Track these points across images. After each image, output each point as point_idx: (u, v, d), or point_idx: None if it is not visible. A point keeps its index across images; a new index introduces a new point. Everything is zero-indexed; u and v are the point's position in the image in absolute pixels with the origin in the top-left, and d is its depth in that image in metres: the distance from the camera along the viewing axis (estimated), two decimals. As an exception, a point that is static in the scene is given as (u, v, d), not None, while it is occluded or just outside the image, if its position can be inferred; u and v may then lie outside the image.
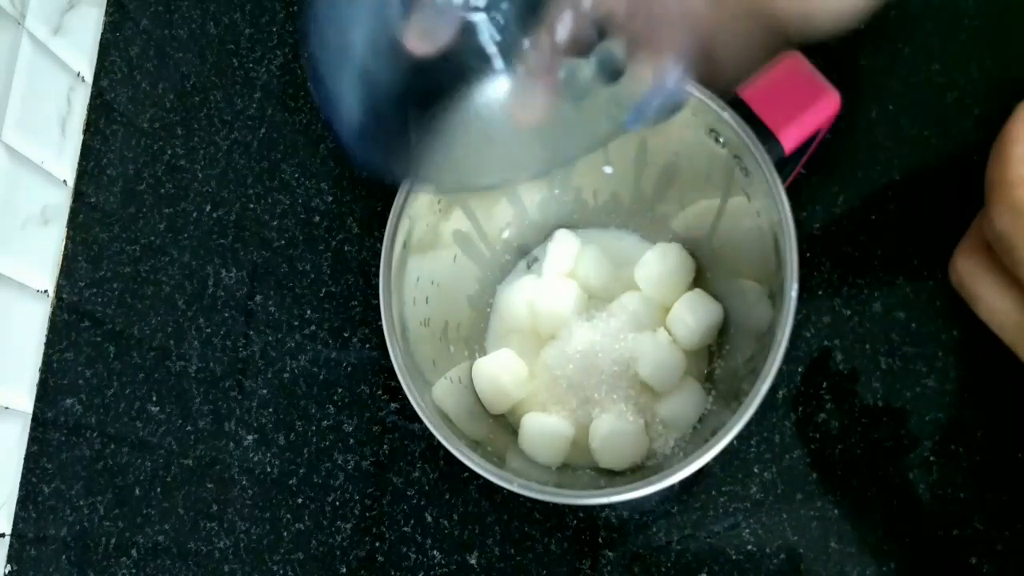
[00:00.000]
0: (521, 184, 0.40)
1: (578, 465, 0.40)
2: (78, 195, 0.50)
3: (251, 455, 0.45)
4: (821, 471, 0.40)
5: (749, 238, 0.36)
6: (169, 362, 0.47)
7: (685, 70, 0.25)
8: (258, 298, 0.47)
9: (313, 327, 0.46)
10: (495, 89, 0.28)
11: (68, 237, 0.49)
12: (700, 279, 0.42)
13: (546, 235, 0.44)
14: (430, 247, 0.39)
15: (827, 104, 0.33)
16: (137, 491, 0.45)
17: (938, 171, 0.43)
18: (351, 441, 0.44)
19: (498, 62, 0.28)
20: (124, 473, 0.46)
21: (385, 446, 0.44)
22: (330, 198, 0.48)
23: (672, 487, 0.37)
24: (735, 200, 0.36)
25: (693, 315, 0.39)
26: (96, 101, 0.51)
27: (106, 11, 0.52)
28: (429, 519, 0.43)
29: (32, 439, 0.47)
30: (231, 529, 0.44)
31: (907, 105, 0.44)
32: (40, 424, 0.47)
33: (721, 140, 0.34)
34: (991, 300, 0.28)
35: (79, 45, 0.51)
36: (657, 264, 0.40)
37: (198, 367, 0.46)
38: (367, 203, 0.47)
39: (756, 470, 0.41)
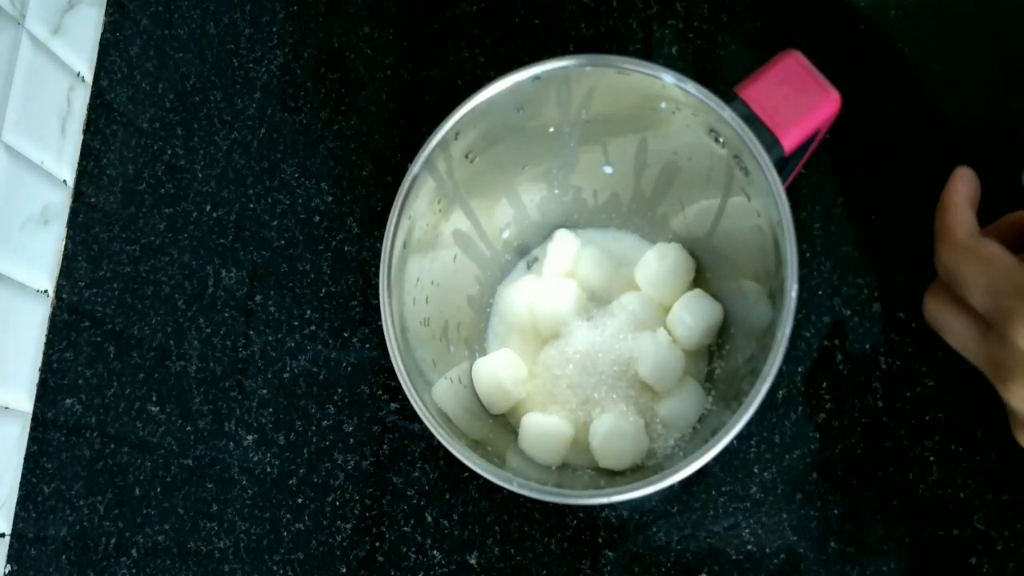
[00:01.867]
0: None
1: (578, 465, 0.40)
2: (78, 195, 0.50)
3: (251, 455, 0.45)
4: (821, 471, 0.41)
5: (749, 238, 0.36)
6: (169, 362, 0.47)
7: None
8: (258, 298, 0.47)
9: (313, 327, 0.46)
10: None
11: (68, 237, 0.49)
12: (700, 279, 0.42)
13: (546, 235, 0.44)
14: (430, 247, 0.39)
15: (827, 104, 0.33)
16: (137, 491, 0.45)
17: (938, 171, 0.43)
18: (351, 441, 0.44)
19: None
20: (124, 473, 0.46)
21: (385, 446, 0.44)
22: (330, 198, 0.48)
23: (672, 487, 0.37)
24: (735, 200, 0.36)
25: (693, 315, 0.39)
26: (96, 101, 0.51)
27: (106, 11, 0.52)
28: (429, 519, 0.43)
29: (32, 439, 0.47)
30: (231, 529, 0.44)
31: (907, 105, 0.44)
32: (40, 424, 0.47)
33: (721, 140, 0.34)
34: (954, 328, 0.33)
35: (79, 45, 0.51)
36: (657, 264, 0.40)
37: (198, 367, 0.46)
38: (367, 203, 0.47)
39: (756, 470, 0.41)
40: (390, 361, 0.34)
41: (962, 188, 0.33)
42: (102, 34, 0.52)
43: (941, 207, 0.34)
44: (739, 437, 0.31)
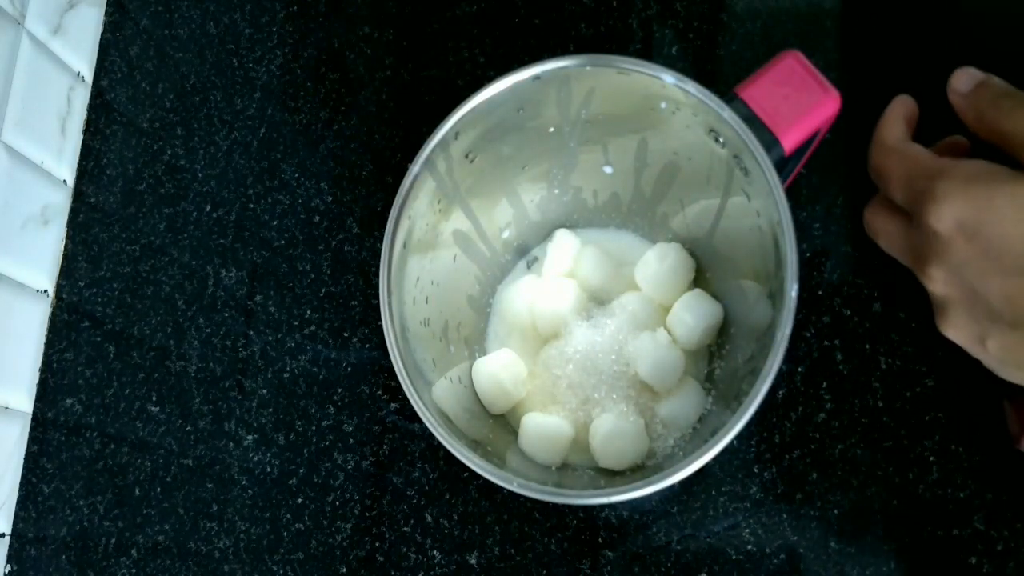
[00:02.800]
0: None
1: (578, 465, 0.40)
2: (78, 195, 0.50)
3: (251, 455, 0.45)
4: (821, 471, 0.41)
5: (749, 238, 0.36)
6: (169, 362, 0.47)
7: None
8: (258, 298, 0.47)
9: (313, 327, 0.46)
10: None
11: (68, 237, 0.49)
12: (700, 279, 0.42)
13: (546, 235, 0.44)
14: (430, 247, 0.39)
15: (827, 104, 0.33)
16: (137, 491, 0.45)
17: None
18: (351, 441, 0.44)
19: None
20: (124, 473, 0.46)
21: (385, 446, 0.44)
22: (330, 198, 0.48)
23: (672, 487, 0.37)
24: (735, 200, 0.36)
25: (693, 315, 0.39)
26: (96, 101, 0.51)
27: (106, 11, 0.52)
28: (429, 519, 0.43)
29: (32, 439, 0.47)
30: (231, 529, 0.44)
31: (907, 105, 0.44)
32: (40, 424, 0.47)
33: (721, 140, 0.34)
34: (885, 228, 0.35)
35: (79, 45, 0.51)
36: (657, 264, 0.40)
37: (198, 367, 0.46)
38: (367, 203, 0.47)
39: (756, 470, 0.41)
40: (390, 361, 0.34)
41: (899, 108, 0.35)
42: (102, 34, 0.52)
43: (879, 122, 0.36)
44: (739, 437, 0.31)
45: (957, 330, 0.33)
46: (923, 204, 0.31)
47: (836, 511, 0.40)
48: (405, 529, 0.43)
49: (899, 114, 0.35)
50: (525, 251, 0.45)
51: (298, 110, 0.49)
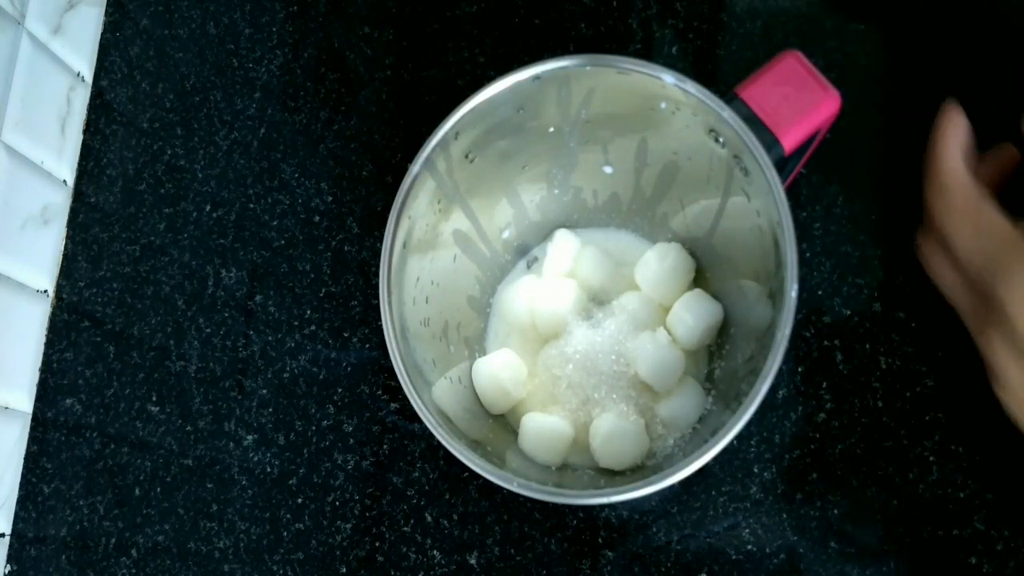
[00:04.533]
0: None
1: (578, 465, 0.40)
2: (78, 195, 0.50)
3: (251, 455, 0.45)
4: (821, 471, 0.41)
5: (749, 238, 0.36)
6: (169, 362, 0.47)
7: None
8: (258, 298, 0.47)
9: (313, 327, 0.46)
10: None
11: (68, 237, 0.49)
12: (700, 279, 0.42)
13: (546, 235, 0.44)
14: (430, 247, 0.39)
15: (827, 104, 0.33)
16: (137, 491, 0.45)
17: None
18: (351, 441, 0.44)
19: None
20: (124, 473, 0.46)
21: (385, 446, 0.44)
22: (330, 198, 0.48)
23: (672, 487, 0.37)
24: (735, 200, 0.36)
25: (693, 315, 0.39)
26: (96, 101, 0.51)
27: (106, 11, 0.52)
28: (429, 519, 0.43)
29: (32, 439, 0.47)
30: (231, 529, 0.44)
31: (907, 105, 0.44)
32: (40, 424, 0.47)
33: (721, 140, 0.34)
34: (940, 270, 0.34)
35: (79, 45, 0.51)
36: (657, 264, 0.40)
37: (198, 367, 0.46)
38: (367, 203, 0.47)
39: (756, 470, 0.41)
40: (390, 361, 0.34)
41: (953, 137, 0.33)
42: (102, 34, 0.52)
43: (930, 147, 0.34)
44: (739, 437, 0.31)
45: (1014, 398, 0.32)
46: (996, 275, 0.30)
47: (836, 511, 0.40)
48: (405, 529, 0.43)
49: (955, 143, 0.33)
50: (525, 251, 0.45)
51: (298, 110, 0.49)
